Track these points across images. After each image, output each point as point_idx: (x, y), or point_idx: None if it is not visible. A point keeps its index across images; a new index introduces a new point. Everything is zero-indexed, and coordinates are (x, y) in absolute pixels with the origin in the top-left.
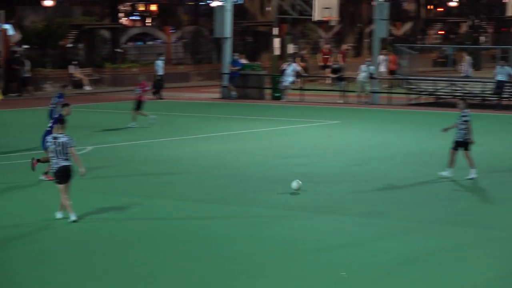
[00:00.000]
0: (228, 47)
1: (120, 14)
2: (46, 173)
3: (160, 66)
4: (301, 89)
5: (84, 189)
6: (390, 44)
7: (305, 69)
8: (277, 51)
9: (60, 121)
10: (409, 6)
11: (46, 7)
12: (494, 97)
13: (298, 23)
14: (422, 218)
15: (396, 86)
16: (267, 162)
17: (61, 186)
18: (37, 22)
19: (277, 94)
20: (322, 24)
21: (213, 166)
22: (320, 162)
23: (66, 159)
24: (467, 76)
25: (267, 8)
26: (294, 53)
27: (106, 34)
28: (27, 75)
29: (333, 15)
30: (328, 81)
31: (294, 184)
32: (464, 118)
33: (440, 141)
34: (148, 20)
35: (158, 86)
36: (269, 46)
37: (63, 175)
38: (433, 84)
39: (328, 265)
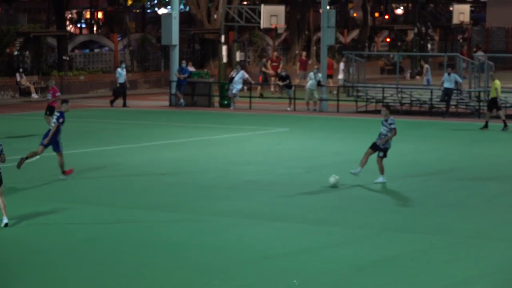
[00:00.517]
0: (175, 54)
1: (67, 22)
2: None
3: (121, 74)
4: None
5: (29, 196)
6: (337, 52)
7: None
8: (224, 59)
9: None
10: (356, 14)
11: None
12: (442, 104)
13: (246, 31)
14: (372, 225)
15: (342, 92)
16: (218, 169)
17: None
18: None
19: (225, 102)
20: (270, 31)
21: (163, 174)
22: (270, 170)
23: None
24: (428, 84)
25: (214, 16)
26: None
27: (52, 41)
28: None
29: (280, 23)
30: (274, 89)
31: (332, 180)
32: (391, 126)
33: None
34: (95, 28)
35: (118, 94)
36: (216, 54)
37: None
38: (381, 91)
39: (280, 273)
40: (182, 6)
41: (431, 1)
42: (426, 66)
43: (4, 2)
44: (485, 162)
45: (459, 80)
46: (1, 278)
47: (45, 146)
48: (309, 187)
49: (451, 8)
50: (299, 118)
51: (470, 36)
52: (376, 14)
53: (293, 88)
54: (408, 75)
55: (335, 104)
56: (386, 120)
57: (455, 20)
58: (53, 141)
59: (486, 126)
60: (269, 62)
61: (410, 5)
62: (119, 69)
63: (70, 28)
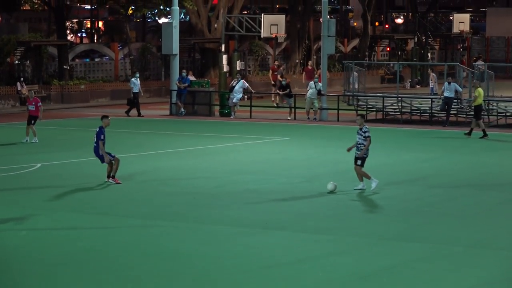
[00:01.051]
0: (175, 64)
1: (67, 31)
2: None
3: (135, 83)
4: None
5: (29, 205)
6: (338, 61)
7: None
8: (225, 68)
9: None
10: (356, 23)
11: None
12: (442, 113)
13: (246, 40)
14: (372, 233)
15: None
16: (218, 178)
17: None
18: None
19: (226, 111)
20: (270, 40)
21: (164, 183)
22: (270, 179)
23: None
24: (434, 93)
25: (214, 25)
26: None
27: (53, 51)
28: None
29: (280, 32)
30: (275, 98)
31: (330, 186)
32: (366, 134)
33: (388, 158)
34: (95, 37)
35: (133, 103)
36: (217, 63)
37: None
38: (381, 100)
39: (281, 282)
40: (182, 16)
41: (431, 10)
42: (432, 74)
43: (4, 12)
44: (486, 171)
45: (459, 89)
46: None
47: (104, 161)
48: (309, 196)
49: (451, 18)
50: (300, 127)
51: (470, 46)
52: (376, 24)
53: (293, 97)
54: (408, 84)
55: (335, 113)
56: (361, 129)
57: (455, 30)
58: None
59: (469, 133)
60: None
61: (410, 14)
62: (133, 79)
63: (70, 37)
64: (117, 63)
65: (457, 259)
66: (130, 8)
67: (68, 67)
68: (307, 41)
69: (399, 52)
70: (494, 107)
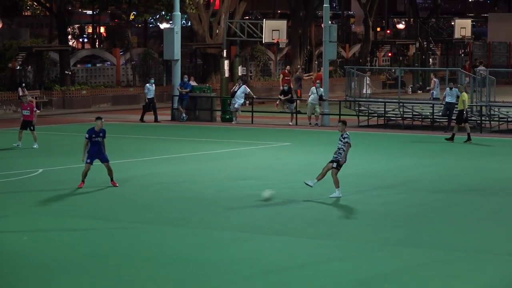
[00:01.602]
0: (177, 69)
1: (69, 36)
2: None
3: (149, 89)
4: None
5: (30, 210)
6: (339, 66)
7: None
8: (226, 73)
9: None
10: (358, 29)
11: None
12: (443, 119)
13: (247, 45)
14: (373, 239)
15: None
16: (220, 184)
17: None
18: None
19: (227, 116)
20: (271, 46)
21: (164, 188)
22: (272, 184)
23: None
24: (436, 99)
25: (216, 31)
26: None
27: (55, 56)
28: None
29: (282, 37)
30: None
31: (266, 193)
32: (345, 140)
33: (390, 163)
34: (97, 42)
35: (147, 109)
36: (218, 68)
37: None
38: (382, 106)
39: (283, 287)
40: (184, 21)
41: (432, 15)
42: (434, 79)
43: (6, 17)
44: (488, 177)
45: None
46: None
47: (90, 163)
48: (310, 201)
49: (452, 23)
50: (301, 132)
51: (471, 51)
52: (378, 29)
53: (295, 102)
54: (410, 89)
55: (337, 119)
56: (342, 135)
57: (457, 35)
58: (96, 154)
59: (452, 138)
60: (281, 76)
61: (411, 20)
62: (147, 85)
63: (72, 42)
64: (119, 69)
65: (459, 264)
66: (132, 14)
67: (70, 73)
68: (308, 47)
69: (401, 58)
70: (495, 113)
